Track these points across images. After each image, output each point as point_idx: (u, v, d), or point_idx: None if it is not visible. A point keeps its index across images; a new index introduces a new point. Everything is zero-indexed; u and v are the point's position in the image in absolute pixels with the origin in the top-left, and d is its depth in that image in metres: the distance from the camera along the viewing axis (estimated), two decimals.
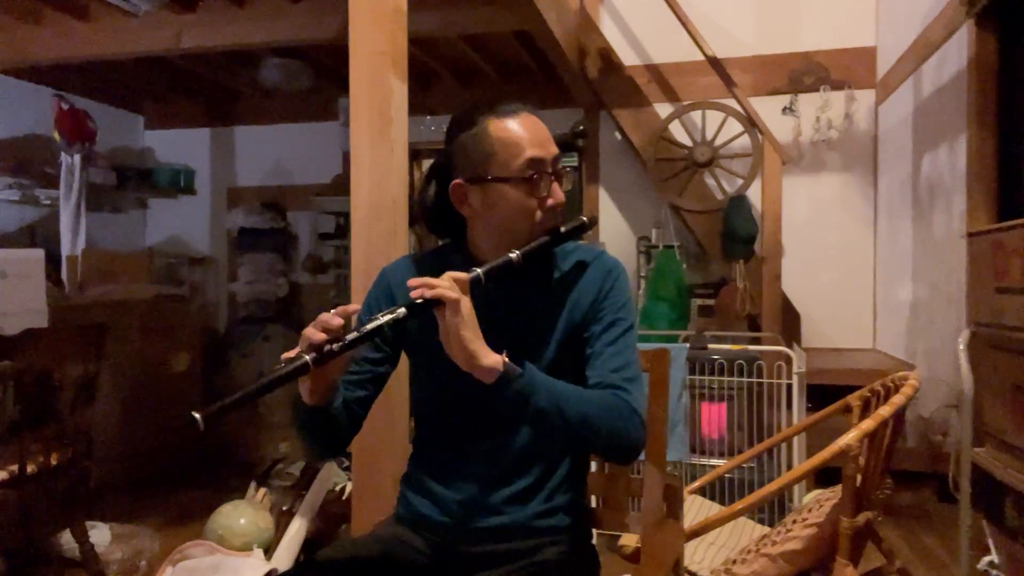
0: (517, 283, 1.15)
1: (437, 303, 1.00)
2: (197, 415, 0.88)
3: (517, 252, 1.11)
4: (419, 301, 1.01)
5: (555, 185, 1.15)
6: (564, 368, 1.14)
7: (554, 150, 1.15)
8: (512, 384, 1.02)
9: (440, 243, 1.30)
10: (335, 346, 0.98)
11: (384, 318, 1.00)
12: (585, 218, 1.21)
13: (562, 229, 1.17)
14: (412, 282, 1.02)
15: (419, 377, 1.25)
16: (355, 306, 1.02)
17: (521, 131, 1.13)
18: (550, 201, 1.14)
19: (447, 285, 1.00)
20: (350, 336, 0.99)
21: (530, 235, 1.14)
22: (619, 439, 1.08)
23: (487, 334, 1.03)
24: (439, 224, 1.23)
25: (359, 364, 1.19)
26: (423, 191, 1.22)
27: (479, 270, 1.07)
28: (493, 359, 1.01)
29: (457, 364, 1.01)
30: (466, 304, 1.01)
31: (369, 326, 1.00)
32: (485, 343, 1.02)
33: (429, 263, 1.24)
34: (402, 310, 1.01)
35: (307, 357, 0.96)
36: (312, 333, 0.98)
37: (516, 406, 1.03)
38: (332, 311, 1.00)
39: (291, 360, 0.97)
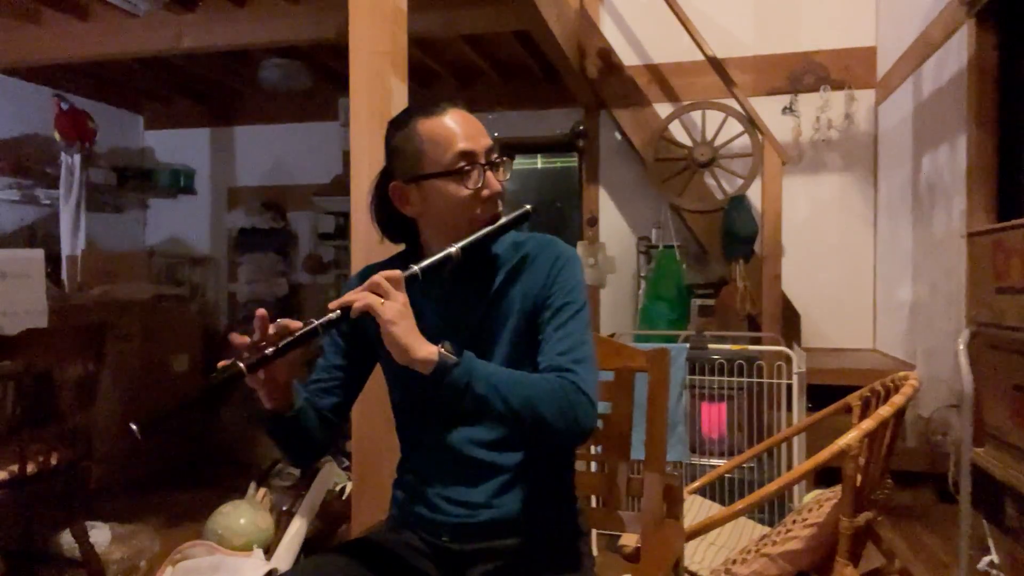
0: (469, 277, 1.16)
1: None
2: (134, 426, 0.90)
3: (456, 246, 1.11)
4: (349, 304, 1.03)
5: (489, 175, 1.16)
6: (521, 358, 1.14)
7: (486, 142, 1.16)
8: (448, 373, 1.02)
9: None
10: (268, 351, 1.00)
11: (317, 321, 1.02)
12: (529, 207, 1.20)
13: (503, 220, 1.17)
14: (332, 305, 1.03)
15: (389, 379, 1.26)
16: (297, 323, 1.03)
17: (450, 125, 1.14)
18: (485, 191, 1.15)
19: (356, 296, 1.02)
20: (283, 341, 1.01)
21: (472, 227, 1.14)
22: (566, 420, 1.06)
23: (442, 329, 1.05)
24: (391, 229, 1.25)
25: (326, 371, 1.22)
26: (373, 200, 1.24)
27: (416, 267, 1.08)
28: (427, 350, 1.01)
29: (395, 359, 1.02)
30: (397, 300, 1.02)
31: (302, 330, 1.02)
32: (420, 336, 1.03)
33: (390, 268, 1.25)
34: (336, 312, 1.02)
35: (241, 364, 0.98)
36: (239, 339, 1.00)
37: (455, 395, 1.03)
38: (277, 321, 1.03)
39: (225, 367, 0.98)
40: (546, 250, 1.20)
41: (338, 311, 1.02)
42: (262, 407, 1.10)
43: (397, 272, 1.05)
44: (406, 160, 1.16)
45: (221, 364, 0.99)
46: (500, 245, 1.20)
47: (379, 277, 1.03)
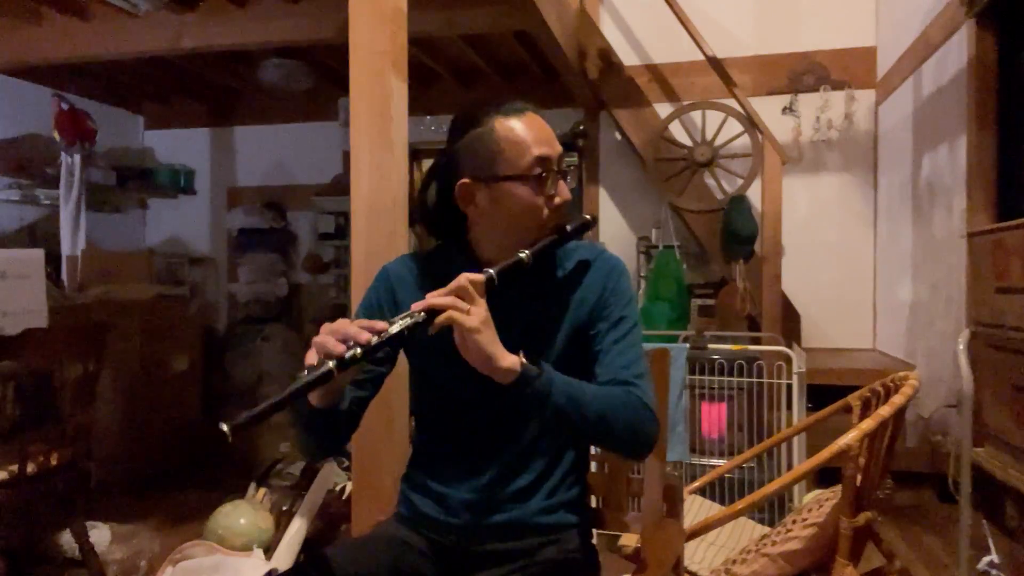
0: (521, 283, 1.14)
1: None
2: (225, 427, 0.88)
3: (527, 252, 1.11)
4: (437, 308, 1.01)
5: (561, 183, 1.15)
6: (570, 366, 1.14)
7: (559, 148, 1.15)
8: (531, 384, 1.02)
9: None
10: (357, 352, 0.97)
11: (403, 322, 1.00)
12: (589, 216, 1.20)
13: (568, 228, 1.17)
14: (416, 306, 1.01)
15: (419, 377, 1.25)
16: (383, 323, 1.01)
17: (528, 130, 1.13)
18: (557, 199, 1.14)
19: (462, 301, 1.00)
20: (372, 342, 0.99)
21: (536, 233, 1.14)
22: (635, 434, 1.09)
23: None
24: (439, 225, 1.23)
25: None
26: (423, 191, 1.22)
27: (491, 271, 1.06)
28: (511, 360, 1.01)
29: (474, 367, 1.01)
30: (481, 307, 1.01)
31: (391, 330, 1.00)
32: (501, 345, 1.02)
33: (432, 262, 1.24)
34: (422, 314, 1.00)
35: (331, 364, 0.96)
36: (333, 345, 0.98)
37: (534, 405, 1.04)
38: (353, 320, 1.01)
39: (315, 367, 0.97)
40: (600, 259, 1.21)
41: (423, 314, 1.00)
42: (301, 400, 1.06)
43: (480, 276, 1.03)
44: (478, 159, 1.13)
45: (309, 362, 0.98)
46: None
47: (466, 281, 1.01)
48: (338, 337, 0.99)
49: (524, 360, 1.02)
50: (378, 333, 0.99)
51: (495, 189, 1.13)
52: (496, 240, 1.16)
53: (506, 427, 1.16)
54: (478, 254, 1.18)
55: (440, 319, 0.99)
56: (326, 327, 1.01)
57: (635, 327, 1.17)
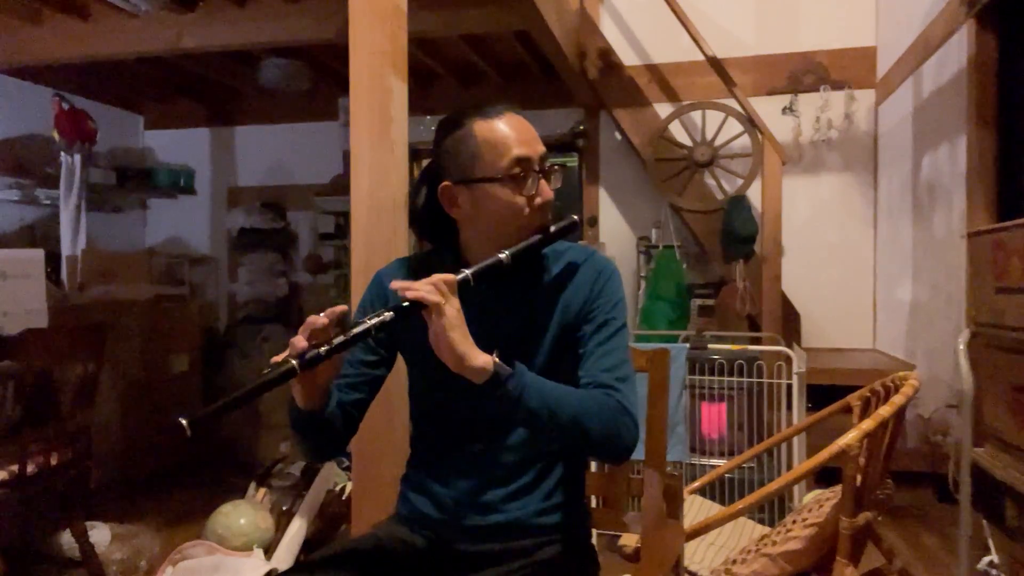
0: (509, 284, 1.15)
1: (424, 305, 1.00)
2: (183, 421, 0.88)
3: (506, 252, 1.11)
4: (404, 304, 1.01)
5: (543, 183, 1.15)
6: (557, 368, 1.14)
7: (541, 148, 1.15)
8: (502, 385, 1.02)
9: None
10: (322, 350, 0.98)
11: (371, 321, 1.01)
12: (575, 217, 1.20)
13: (552, 229, 1.16)
14: (395, 285, 1.03)
15: (415, 378, 1.25)
16: (342, 307, 1.03)
17: (506, 131, 1.13)
18: (538, 199, 1.14)
19: (428, 288, 1.00)
20: (337, 340, 1.00)
21: (520, 234, 1.14)
22: (611, 439, 1.08)
23: (480, 335, 1.03)
24: (430, 229, 1.23)
25: (354, 367, 1.20)
26: (414, 196, 1.23)
27: (467, 271, 1.07)
28: (483, 360, 1.01)
29: (447, 365, 1.01)
30: (453, 305, 1.01)
31: (356, 330, 1.00)
32: (474, 344, 1.02)
33: (422, 265, 1.24)
34: (389, 313, 1.01)
35: (294, 362, 0.97)
36: (298, 342, 0.99)
37: (506, 406, 1.03)
38: (321, 315, 1.01)
39: (278, 365, 0.97)
40: (589, 262, 1.20)
41: (391, 312, 1.01)
42: (293, 402, 1.08)
43: (452, 276, 1.03)
44: (459, 162, 1.14)
45: (274, 360, 0.98)
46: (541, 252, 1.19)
47: (439, 280, 1.01)
48: (306, 334, 0.99)
49: (497, 360, 1.02)
50: (344, 331, 1.00)
51: (475, 191, 1.13)
52: (483, 242, 1.16)
53: (503, 427, 1.16)
54: (468, 257, 1.18)
55: (430, 299, 0.99)
56: (304, 323, 1.01)
57: (620, 330, 1.16)
